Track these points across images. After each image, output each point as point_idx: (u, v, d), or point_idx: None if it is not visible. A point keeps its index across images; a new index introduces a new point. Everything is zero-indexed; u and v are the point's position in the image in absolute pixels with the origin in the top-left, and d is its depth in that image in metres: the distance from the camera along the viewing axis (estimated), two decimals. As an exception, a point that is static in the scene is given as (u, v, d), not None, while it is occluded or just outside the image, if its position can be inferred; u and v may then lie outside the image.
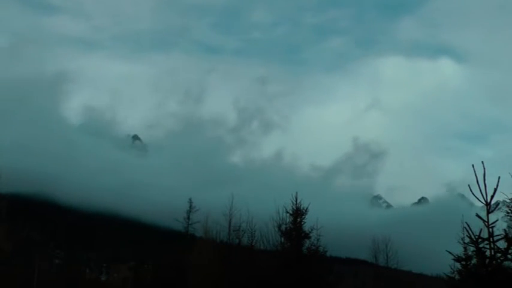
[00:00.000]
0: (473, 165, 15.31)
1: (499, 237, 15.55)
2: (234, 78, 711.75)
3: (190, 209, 52.88)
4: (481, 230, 15.76)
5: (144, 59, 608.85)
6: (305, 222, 34.56)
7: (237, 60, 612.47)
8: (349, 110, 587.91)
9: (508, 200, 19.44)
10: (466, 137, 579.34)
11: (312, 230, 34.37)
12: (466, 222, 16.48)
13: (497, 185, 15.39)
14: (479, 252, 15.63)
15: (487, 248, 15.54)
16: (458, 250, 21.20)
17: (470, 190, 15.59)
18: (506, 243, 15.31)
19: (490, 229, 15.61)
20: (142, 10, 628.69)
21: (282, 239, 35.32)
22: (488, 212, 15.72)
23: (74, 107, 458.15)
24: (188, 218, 52.83)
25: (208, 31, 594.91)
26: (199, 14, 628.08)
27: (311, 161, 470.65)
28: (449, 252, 17.91)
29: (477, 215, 16.15)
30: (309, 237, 34.55)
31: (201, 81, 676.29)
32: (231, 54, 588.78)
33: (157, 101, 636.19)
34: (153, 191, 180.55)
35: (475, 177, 15.37)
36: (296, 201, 34.52)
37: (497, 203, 16.09)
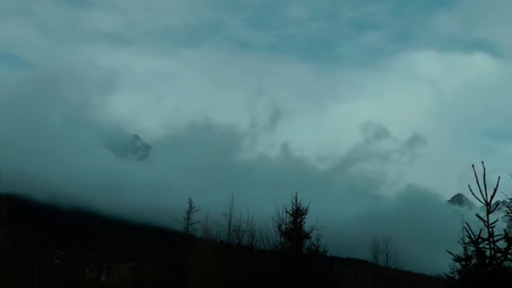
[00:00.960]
0: (473, 165, 15.31)
1: (499, 237, 15.55)
2: (260, 75, 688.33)
3: (190, 209, 52.90)
4: (481, 230, 15.76)
5: (175, 55, 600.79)
6: (305, 222, 34.58)
7: (269, 56, 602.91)
8: (376, 106, 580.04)
9: (508, 200, 19.49)
10: (497, 135, 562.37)
11: (312, 230, 34.40)
12: (466, 222, 16.49)
13: (497, 185, 15.39)
14: (479, 252, 15.62)
15: (487, 248, 15.54)
16: (458, 250, 21.24)
17: (470, 190, 15.59)
18: (506, 243, 15.31)
19: (490, 229, 15.61)
20: (176, 5, 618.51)
21: (282, 239, 35.33)
22: (488, 212, 15.72)
23: (89, 106, 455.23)
24: (188, 218, 52.83)
25: (242, 27, 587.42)
26: (234, 9, 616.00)
27: (324, 158, 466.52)
28: (449, 252, 17.91)
29: (477, 215, 16.16)
30: (309, 237, 34.56)
31: (227, 78, 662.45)
32: (264, 50, 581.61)
33: (173, 98, 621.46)
34: (153, 191, 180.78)
35: (475, 177, 15.39)
36: (296, 201, 34.55)
37: (497, 203, 16.10)
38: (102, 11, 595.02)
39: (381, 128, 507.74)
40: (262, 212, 39.82)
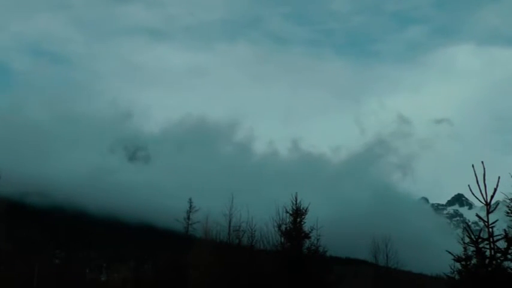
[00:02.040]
0: (473, 165, 15.32)
1: (499, 237, 15.57)
2: (294, 72, 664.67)
3: (190, 209, 52.94)
4: (481, 230, 15.77)
5: (209, 50, 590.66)
6: (305, 222, 34.56)
7: (306, 51, 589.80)
8: (409, 101, 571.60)
9: (508, 200, 19.43)
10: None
11: (312, 230, 34.37)
12: (466, 222, 16.51)
13: (497, 185, 15.40)
14: (479, 252, 15.63)
15: (487, 248, 15.55)
16: (458, 250, 21.21)
17: (470, 190, 15.59)
18: (506, 243, 15.32)
19: (490, 229, 15.62)
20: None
21: (282, 239, 35.30)
22: (488, 212, 15.72)
23: (103, 105, 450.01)
24: (188, 218, 52.88)
25: (281, 22, 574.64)
26: (275, 3, 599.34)
27: (340, 153, 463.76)
28: (449, 252, 17.91)
29: (477, 215, 16.17)
30: (309, 237, 34.53)
31: (259, 75, 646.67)
32: (302, 45, 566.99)
33: (185, 97, 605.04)
34: (153, 191, 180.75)
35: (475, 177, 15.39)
36: (296, 201, 34.53)
37: (497, 203, 16.09)
38: (142, 5, 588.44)
39: (409, 123, 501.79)
40: (262, 212, 39.80)
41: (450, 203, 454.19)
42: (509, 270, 15.38)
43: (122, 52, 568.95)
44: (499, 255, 15.33)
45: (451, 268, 20.49)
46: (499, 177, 15.41)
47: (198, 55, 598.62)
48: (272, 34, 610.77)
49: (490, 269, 15.27)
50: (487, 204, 15.59)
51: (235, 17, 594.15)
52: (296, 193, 34.78)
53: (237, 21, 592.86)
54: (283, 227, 35.06)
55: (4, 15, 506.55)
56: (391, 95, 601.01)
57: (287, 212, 34.77)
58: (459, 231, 26.16)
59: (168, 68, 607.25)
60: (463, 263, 17.27)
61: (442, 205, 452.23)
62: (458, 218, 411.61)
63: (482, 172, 15.31)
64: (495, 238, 15.52)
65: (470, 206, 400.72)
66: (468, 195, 16.32)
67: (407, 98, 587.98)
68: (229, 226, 41.12)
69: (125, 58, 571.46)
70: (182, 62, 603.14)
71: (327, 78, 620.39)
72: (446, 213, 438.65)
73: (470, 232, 15.98)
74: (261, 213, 39.35)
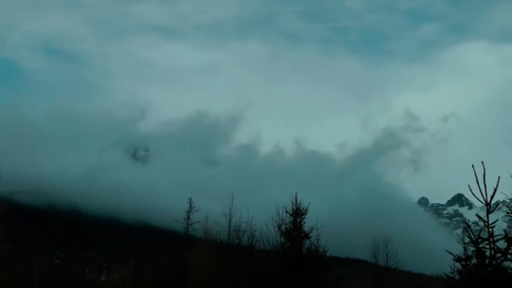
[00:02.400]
0: (473, 165, 15.31)
1: (499, 237, 15.56)
2: (306, 70, 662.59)
3: (190, 209, 52.97)
4: (481, 230, 15.77)
5: (220, 48, 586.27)
6: (305, 222, 34.55)
7: (319, 49, 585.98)
8: (419, 101, 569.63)
9: (508, 200, 19.44)
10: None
11: (312, 230, 34.36)
12: (465, 222, 16.51)
13: (497, 185, 15.40)
14: (479, 252, 15.63)
15: (487, 248, 15.55)
16: (458, 250, 21.21)
17: (470, 190, 15.59)
18: (506, 243, 15.32)
19: (490, 229, 15.62)
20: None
21: (282, 239, 35.29)
22: (488, 212, 15.72)
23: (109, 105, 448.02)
24: (188, 218, 52.92)
25: (295, 19, 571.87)
26: (289, 0, 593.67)
27: (344, 152, 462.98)
28: (449, 252, 17.90)
29: (477, 215, 16.16)
30: (309, 237, 34.53)
31: (263, 74, 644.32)
32: (315, 43, 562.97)
33: (192, 96, 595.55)
34: (154, 191, 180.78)
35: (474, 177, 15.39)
36: (296, 201, 34.53)
37: (497, 203, 16.09)
38: (154, 3, 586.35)
39: (418, 122, 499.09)
40: (262, 212, 39.79)
41: (450, 203, 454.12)
42: (509, 270, 15.37)
43: (133, 51, 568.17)
44: (499, 255, 15.33)
45: (451, 268, 20.49)
46: (499, 177, 15.41)
47: (209, 53, 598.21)
48: (285, 32, 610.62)
49: (490, 269, 15.27)
50: (487, 204, 15.59)
51: (249, 14, 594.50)
52: (296, 193, 34.84)
53: (250, 19, 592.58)
54: (283, 227, 35.05)
55: (17, 14, 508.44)
56: (402, 94, 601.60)
57: (287, 212, 34.76)
58: (459, 231, 26.21)
59: (178, 67, 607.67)
60: (463, 263, 17.25)
61: (442, 205, 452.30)
62: (458, 218, 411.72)
63: (483, 172, 15.31)
64: (495, 238, 15.51)
65: (470, 206, 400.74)
66: (468, 195, 16.32)
67: (419, 96, 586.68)
68: (229, 226, 41.15)
69: (137, 56, 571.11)
70: (193, 61, 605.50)
71: (339, 76, 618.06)
72: (446, 213, 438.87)
73: (470, 232, 15.98)
74: (261, 213, 39.35)
